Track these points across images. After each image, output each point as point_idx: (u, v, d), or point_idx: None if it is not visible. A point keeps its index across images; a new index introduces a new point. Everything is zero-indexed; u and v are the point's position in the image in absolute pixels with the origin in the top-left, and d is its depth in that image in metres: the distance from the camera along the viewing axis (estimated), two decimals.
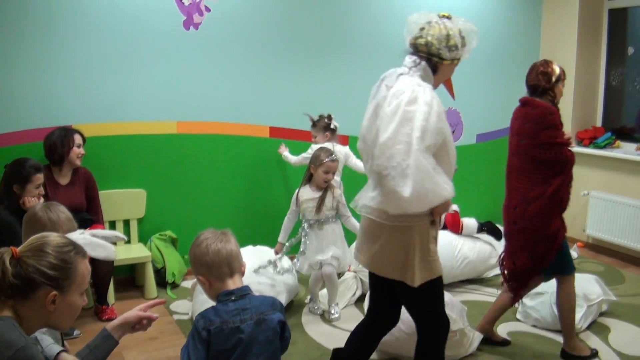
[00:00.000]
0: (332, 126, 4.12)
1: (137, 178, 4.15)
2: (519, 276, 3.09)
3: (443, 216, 4.07)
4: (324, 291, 3.80)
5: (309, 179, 3.67)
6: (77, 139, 3.69)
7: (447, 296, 2.75)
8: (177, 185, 4.28)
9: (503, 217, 3.14)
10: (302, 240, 3.68)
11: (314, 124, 4.17)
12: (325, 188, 3.62)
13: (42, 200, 3.21)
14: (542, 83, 2.99)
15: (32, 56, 3.71)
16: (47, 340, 1.85)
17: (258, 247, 3.96)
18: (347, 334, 2.68)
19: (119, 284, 4.06)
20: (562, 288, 3.11)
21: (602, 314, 3.70)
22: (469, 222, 4.41)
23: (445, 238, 4.06)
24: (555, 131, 2.92)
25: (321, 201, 3.59)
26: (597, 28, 5.29)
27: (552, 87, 2.99)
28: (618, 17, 5.26)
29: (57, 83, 3.80)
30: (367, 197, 2.39)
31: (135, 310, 1.83)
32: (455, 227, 4.34)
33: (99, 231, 1.96)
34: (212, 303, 1.92)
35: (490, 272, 4.38)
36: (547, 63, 3.03)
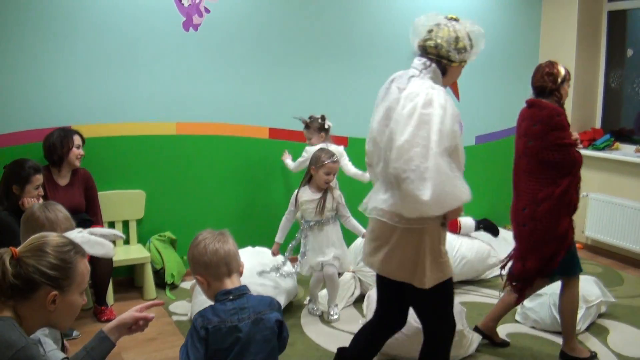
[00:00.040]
0: (326, 126, 4.07)
1: (136, 179, 4.15)
2: (527, 277, 3.08)
3: None
4: (324, 292, 3.80)
5: (308, 180, 3.67)
6: (77, 139, 3.69)
7: None
8: (177, 186, 4.29)
9: (511, 219, 3.13)
10: (302, 242, 3.68)
11: (307, 126, 4.12)
12: (325, 189, 3.62)
13: (41, 201, 3.21)
14: (548, 84, 2.99)
15: (32, 57, 3.71)
16: (50, 345, 1.84)
17: (257, 248, 3.97)
18: (346, 335, 2.69)
19: (118, 284, 4.06)
20: (567, 290, 3.10)
21: (600, 316, 3.70)
22: (466, 221, 4.43)
23: None
24: (563, 132, 2.92)
25: (323, 203, 3.58)
26: (596, 30, 5.29)
27: (558, 87, 2.99)
28: (617, 19, 5.27)
29: (57, 84, 3.81)
30: (378, 199, 2.36)
31: (131, 311, 1.83)
32: (452, 226, 4.34)
33: (97, 229, 1.96)
34: (211, 304, 1.92)
35: (489, 272, 4.37)
36: (552, 64, 3.03)
